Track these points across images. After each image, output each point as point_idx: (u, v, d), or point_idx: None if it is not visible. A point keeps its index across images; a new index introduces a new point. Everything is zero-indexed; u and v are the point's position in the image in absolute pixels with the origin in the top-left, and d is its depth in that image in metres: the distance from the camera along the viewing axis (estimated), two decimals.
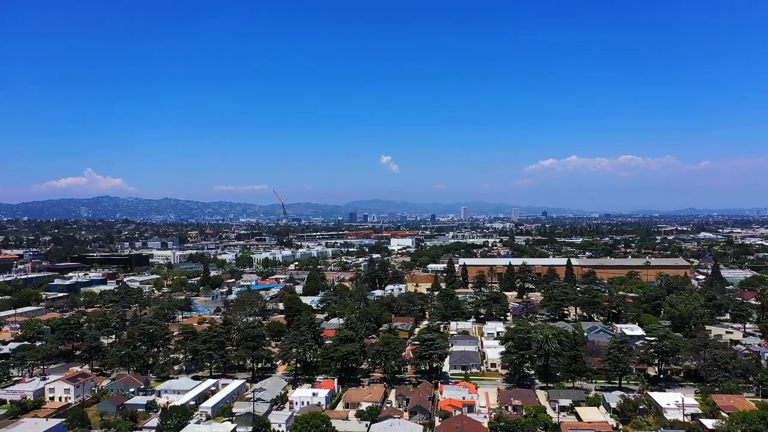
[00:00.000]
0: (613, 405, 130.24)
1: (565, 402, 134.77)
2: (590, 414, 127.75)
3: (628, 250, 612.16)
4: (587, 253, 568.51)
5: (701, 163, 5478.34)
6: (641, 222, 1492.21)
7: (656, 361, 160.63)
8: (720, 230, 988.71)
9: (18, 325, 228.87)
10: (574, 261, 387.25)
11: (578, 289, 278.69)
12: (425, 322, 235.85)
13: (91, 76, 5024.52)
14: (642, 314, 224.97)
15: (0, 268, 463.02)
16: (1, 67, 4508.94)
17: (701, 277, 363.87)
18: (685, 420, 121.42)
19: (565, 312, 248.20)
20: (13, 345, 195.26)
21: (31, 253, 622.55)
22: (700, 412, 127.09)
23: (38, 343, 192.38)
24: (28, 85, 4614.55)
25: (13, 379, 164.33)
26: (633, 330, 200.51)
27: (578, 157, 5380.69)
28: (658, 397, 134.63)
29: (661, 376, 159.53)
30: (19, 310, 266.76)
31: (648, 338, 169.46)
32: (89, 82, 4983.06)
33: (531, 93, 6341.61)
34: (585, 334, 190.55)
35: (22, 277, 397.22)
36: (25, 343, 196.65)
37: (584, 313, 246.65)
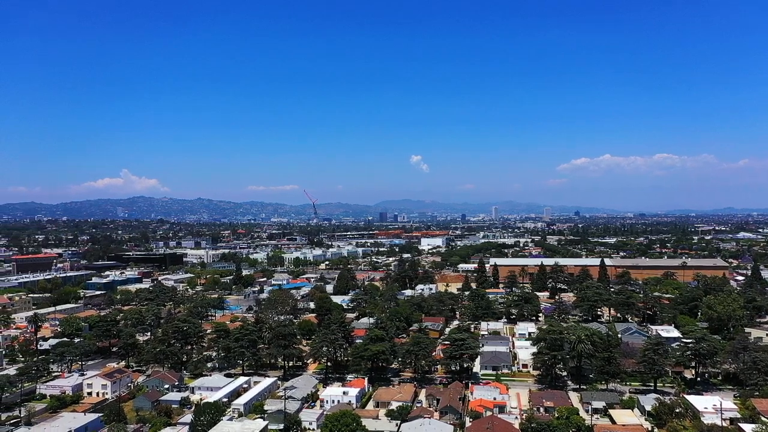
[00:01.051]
0: (648, 408, 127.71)
1: (599, 404, 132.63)
2: (624, 417, 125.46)
3: (663, 251, 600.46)
4: (621, 254, 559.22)
5: (740, 161, 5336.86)
6: (677, 222, 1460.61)
7: (693, 364, 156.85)
8: (760, 230, 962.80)
9: (57, 322, 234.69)
10: (607, 261, 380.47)
11: (612, 289, 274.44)
12: (456, 322, 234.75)
13: (127, 79, 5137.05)
14: (678, 316, 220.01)
15: (40, 266, 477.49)
16: (43, 70, 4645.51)
17: (740, 278, 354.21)
18: (724, 424, 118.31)
19: (599, 313, 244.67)
20: (53, 341, 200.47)
21: (69, 252, 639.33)
22: (739, 416, 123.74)
23: (77, 340, 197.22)
24: (68, 88, 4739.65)
25: (53, 374, 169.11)
26: (669, 332, 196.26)
27: (611, 156, 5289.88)
28: (695, 400, 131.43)
29: (698, 379, 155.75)
30: (58, 308, 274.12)
31: (684, 340, 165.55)
32: (126, 85, 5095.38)
33: (563, 92, 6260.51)
34: (619, 335, 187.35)
35: (61, 275, 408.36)
36: (64, 339, 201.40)
37: (618, 315, 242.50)
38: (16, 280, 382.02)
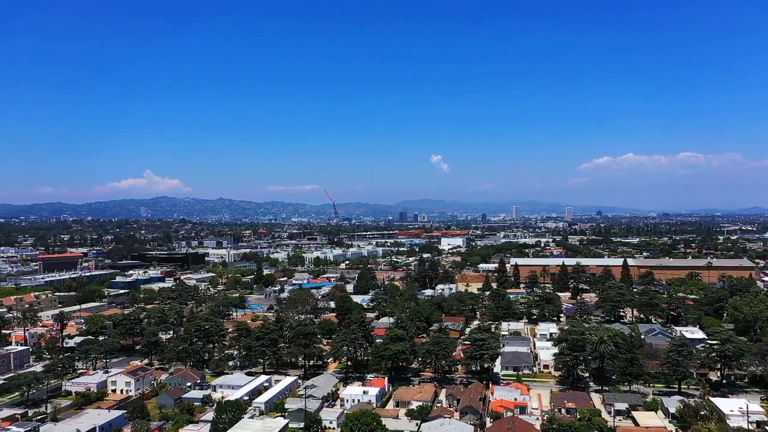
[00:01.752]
0: (672, 410, 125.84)
1: (621, 406, 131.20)
2: (648, 419, 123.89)
3: (688, 251, 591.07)
4: (645, 254, 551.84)
5: None
6: (702, 221, 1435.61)
7: (718, 366, 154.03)
8: None
9: (82, 320, 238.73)
10: (630, 261, 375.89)
11: (635, 290, 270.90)
12: (476, 322, 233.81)
13: (149, 80, 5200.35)
14: (703, 317, 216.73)
15: (66, 265, 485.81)
16: (68, 73, 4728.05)
17: (767, 278, 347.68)
18: (750, 427, 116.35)
19: (621, 314, 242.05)
20: (78, 339, 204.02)
21: (94, 252, 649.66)
22: (766, 419, 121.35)
23: (101, 338, 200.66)
24: (92, 91, 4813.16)
25: (78, 371, 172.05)
26: (693, 333, 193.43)
27: (634, 155, 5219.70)
28: (720, 403, 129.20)
29: (724, 381, 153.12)
30: (83, 306, 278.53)
31: (710, 342, 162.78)
32: (149, 86, 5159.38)
33: (585, 91, 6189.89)
34: (642, 336, 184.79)
35: (86, 274, 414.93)
36: (89, 337, 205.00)
37: (641, 315, 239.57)
38: (42, 278, 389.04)
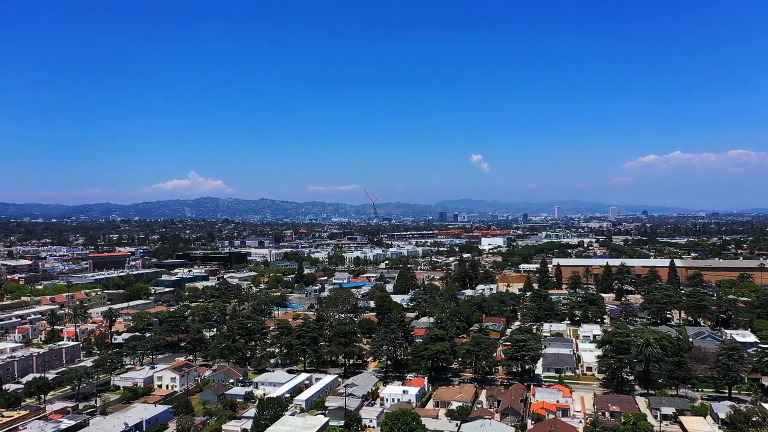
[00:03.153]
0: (722, 416, 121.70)
1: (668, 410, 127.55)
2: (696, 424, 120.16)
3: (739, 251, 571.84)
4: (693, 254, 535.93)
5: None
6: (754, 221, 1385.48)
7: None
8: None
9: (130, 317, 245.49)
10: (678, 262, 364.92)
11: (683, 291, 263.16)
12: (517, 323, 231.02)
13: (195, 86, 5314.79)
14: (755, 320, 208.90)
15: (115, 264, 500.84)
16: (115, 78, 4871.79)
17: None
18: None
19: (668, 316, 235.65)
20: (126, 335, 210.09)
21: (141, 251, 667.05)
22: None
23: (148, 335, 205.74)
24: (139, 95, 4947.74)
25: (126, 367, 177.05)
26: (745, 336, 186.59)
27: (682, 153, 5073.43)
28: None
29: None
30: (131, 303, 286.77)
31: (762, 345, 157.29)
32: (195, 91, 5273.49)
33: (632, 88, 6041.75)
34: (690, 339, 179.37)
35: (133, 272, 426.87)
36: (136, 334, 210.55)
37: (689, 318, 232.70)
38: (92, 277, 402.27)
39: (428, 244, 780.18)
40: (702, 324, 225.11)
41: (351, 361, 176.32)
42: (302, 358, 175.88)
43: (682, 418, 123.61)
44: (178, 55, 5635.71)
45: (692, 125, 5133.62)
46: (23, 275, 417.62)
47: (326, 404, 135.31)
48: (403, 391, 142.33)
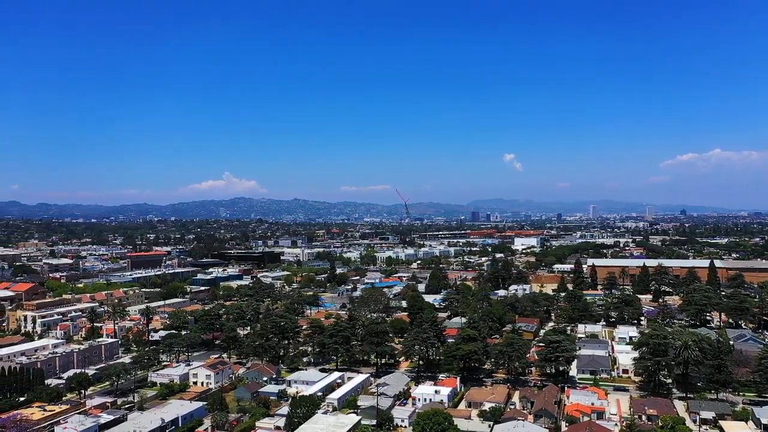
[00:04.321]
0: (765, 421, 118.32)
1: (708, 415, 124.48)
2: (737, 429, 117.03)
3: None
4: (734, 255, 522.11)
5: None
6: None
7: None
8: None
9: (167, 315, 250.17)
10: (718, 263, 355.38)
11: (723, 293, 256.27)
12: (551, 324, 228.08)
13: (228, 87, 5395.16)
14: None
15: (152, 263, 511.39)
16: (148, 79, 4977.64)
17: None
18: None
19: (708, 318, 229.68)
20: (163, 333, 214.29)
21: (177, 250, 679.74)
22: None
23: (183, 332, 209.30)
24: (174, 97, 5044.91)
25: (163, 363, 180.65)
26: None
27: (722, 151, 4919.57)
28: None
29: None
30: (167, 302, 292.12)
31: None
32: (228, 93, 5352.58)
33: (669, 86, 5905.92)
34: (731, 342, 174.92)
35: (169, 271, 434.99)
36: (173, 331, 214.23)
37: (730, 320, 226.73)
38: (130, 275, 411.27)
39: (460, 244, 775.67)
40: (744, 327, 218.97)
41: (383, 361, 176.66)
42: (334, 357, 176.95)
43: (722, 423, 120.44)
44: (214, 55, 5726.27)
45: (732, 123, 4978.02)
46: (64, 274, 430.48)
47: (358, 403, 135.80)
48: (435, 391, 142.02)
